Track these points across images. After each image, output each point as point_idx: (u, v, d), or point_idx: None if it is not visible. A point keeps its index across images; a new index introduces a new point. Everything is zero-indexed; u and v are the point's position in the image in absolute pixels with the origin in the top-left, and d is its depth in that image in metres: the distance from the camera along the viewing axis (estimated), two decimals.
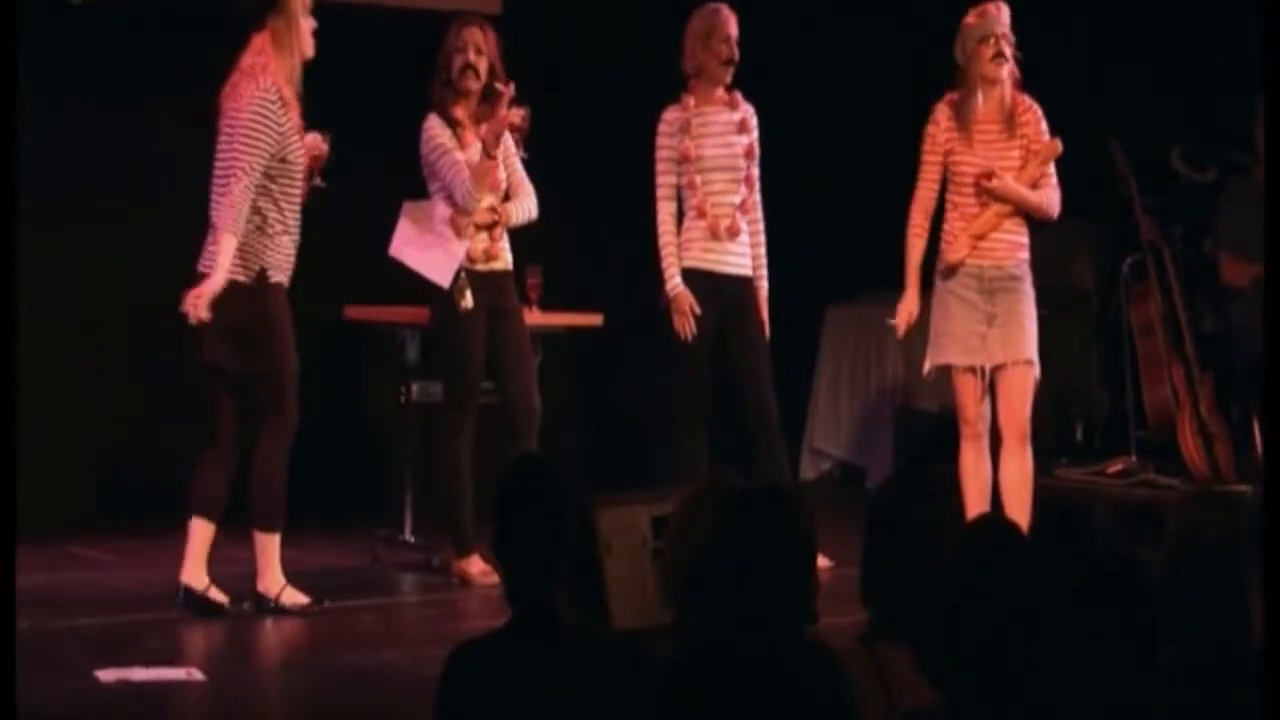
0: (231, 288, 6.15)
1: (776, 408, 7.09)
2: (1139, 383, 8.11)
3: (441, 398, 7.06)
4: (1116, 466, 8.14)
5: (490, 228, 6.90)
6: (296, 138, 6.26)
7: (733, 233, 7.06)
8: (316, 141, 6.45)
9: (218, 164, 6.26)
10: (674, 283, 7.01)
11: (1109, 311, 8.55)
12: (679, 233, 7.07)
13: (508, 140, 6.88)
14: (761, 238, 7.18)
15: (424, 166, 6.87)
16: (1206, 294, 8.22)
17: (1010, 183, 6.53)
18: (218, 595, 6.26)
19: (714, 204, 7.05)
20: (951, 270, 6.54)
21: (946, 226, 6.62)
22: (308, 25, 6.31)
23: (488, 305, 6.86)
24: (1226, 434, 7.86)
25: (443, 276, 6.81)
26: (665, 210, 7.07)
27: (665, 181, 7.08)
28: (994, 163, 6.55)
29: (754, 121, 7.15)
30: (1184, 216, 8.33)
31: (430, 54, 6.91)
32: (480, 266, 6.88)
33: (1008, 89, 6.57)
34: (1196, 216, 8.30)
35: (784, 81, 8.70)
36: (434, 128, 6.84)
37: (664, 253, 7.05)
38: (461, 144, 6.84)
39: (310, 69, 6.34)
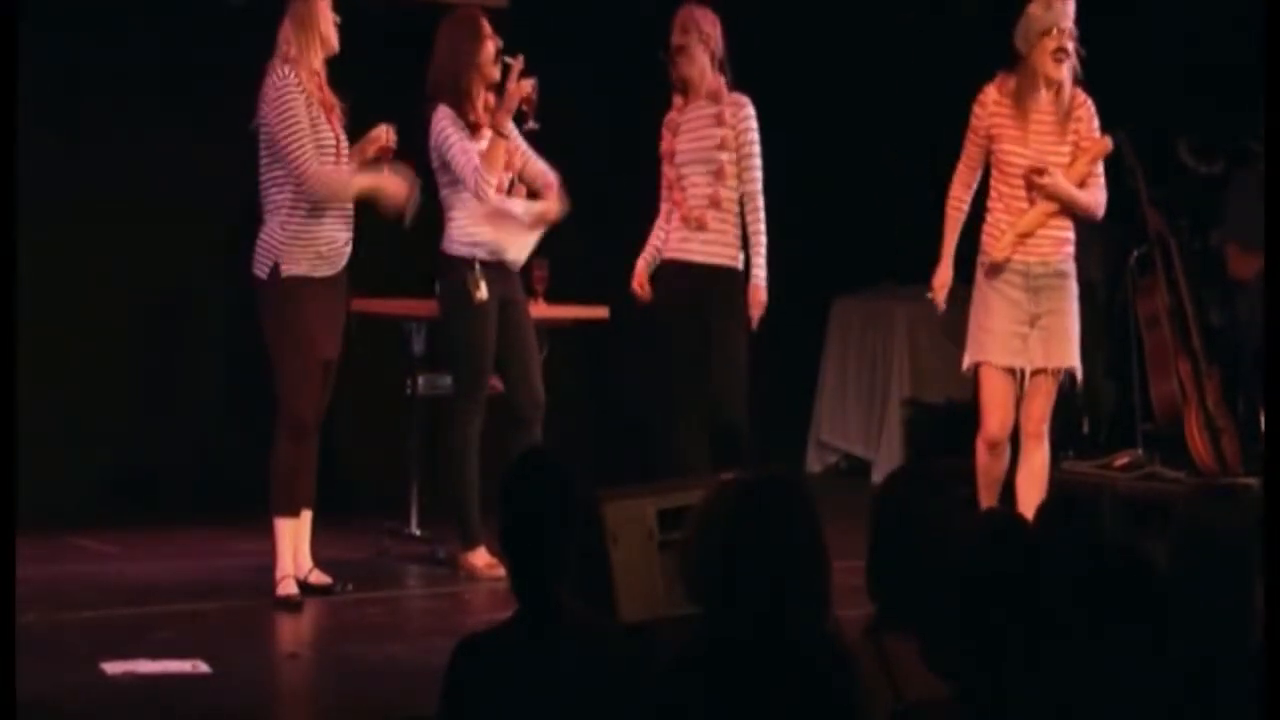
0: (254, 283, 6.25)
1: (742, 398, 6.98)
2: (1145, 376, 8.10)
3: (450, 389, 7.05)
4: (1123, 459, 8.13)
5: None
6: (320, 122, 6.25)
7: (700, 224, 7.00)
8: (381, 133, 6.46)
9: (261, 168, 6.32)
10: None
11: (1116, 304, 8.53)
12: (667, 225, 7.10)
13: (517, 138, 6.87)
14: (761, 227, 7.03)
15: (435, 158, 6.85)
16: (1213, 287, 8.21)
17: (1061, 181, 6.32)
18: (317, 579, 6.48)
19: (688, 196, 7.02)
20: (997, 267, 6.35)
21: (990, 219, 6.44)
22: (327, 10, 6.30)
23: (498, 296, 6.85)
24: (1233, 427, 7.85)
25: (519, 252, 6.91)
26: (663, 208, 7.14)
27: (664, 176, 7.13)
28: (1046, 158, 6.34)
29: (742, 114, 6.98)
30: (1191, 209, 8.33)
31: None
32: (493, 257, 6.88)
33: (1067, 85, 6.37)
34: (1203, 209, 8.29)
35: (788, 76, 8.69)
36: (445, 118, 6.82)
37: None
38: (475, 134, 6.83)
39: None
